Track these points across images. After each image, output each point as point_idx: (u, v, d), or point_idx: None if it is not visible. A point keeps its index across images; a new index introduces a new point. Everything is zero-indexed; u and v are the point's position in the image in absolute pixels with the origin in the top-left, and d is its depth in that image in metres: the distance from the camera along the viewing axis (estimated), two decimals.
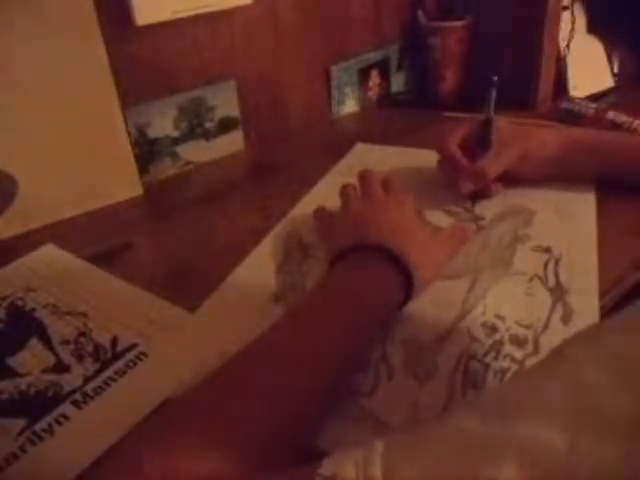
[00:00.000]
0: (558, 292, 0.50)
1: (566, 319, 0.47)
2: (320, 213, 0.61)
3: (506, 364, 0.44)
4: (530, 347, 0.45)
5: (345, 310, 0.44)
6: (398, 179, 0.59)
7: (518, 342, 0.46)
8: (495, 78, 0.63)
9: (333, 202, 0.59)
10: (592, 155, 0.63)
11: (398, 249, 0.46)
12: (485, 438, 0.23)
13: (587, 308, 0.48)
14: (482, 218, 0.62)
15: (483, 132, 0.65)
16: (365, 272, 0.46)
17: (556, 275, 0.53)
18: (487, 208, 0.64)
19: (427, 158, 0.70)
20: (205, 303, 0.52)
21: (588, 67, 0.95)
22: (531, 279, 0.52)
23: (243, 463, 0.33)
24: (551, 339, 0.46)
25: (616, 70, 0.96)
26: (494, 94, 0.64)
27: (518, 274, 0.53)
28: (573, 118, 0.81)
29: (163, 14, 0.70)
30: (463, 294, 0.51)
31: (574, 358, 0.25)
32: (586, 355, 0.25)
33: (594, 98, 0.90)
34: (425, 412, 0.40)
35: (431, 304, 0.50)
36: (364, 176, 0.58)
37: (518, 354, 0.45)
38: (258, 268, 0.57)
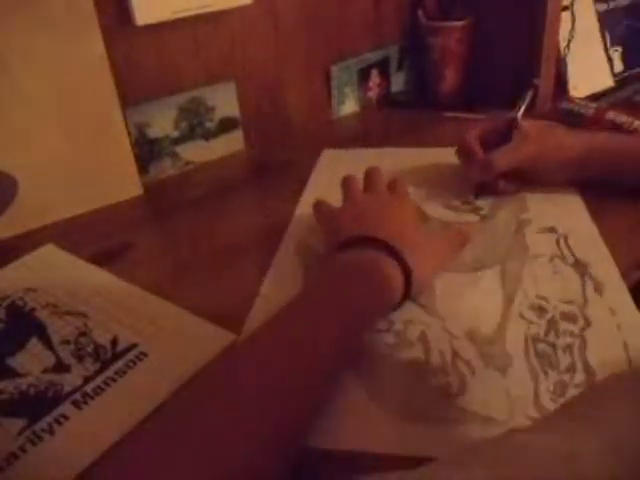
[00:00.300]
0: (581, 267, 0.52)
1: (599, 290, 0.49)
2: (320, 204, 0.59)
3: (569, 339, 0.45)
4: (581, 321, 0.46)
5: (346, 299, 0.44)
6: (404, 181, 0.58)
7: (569, 318, 0.47)
8: (536, 81, 0.62)
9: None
10: (608, 161, 0.62)
11: (399, 247, 0.47)
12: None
13: (612, 277, 0.51)
14: (481, 208, 0.64)
15: (506, 129, 0.65)
16: (369, 265, 0.46)
17: (571, 251, 0.55)
18: (482, 198, 0.65)
19: (403, 157, 0.73)
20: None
21: (588, 67, 0.95)
22: (551, 259, 0.54)
23: (244, 463, 0.33)
24: (595, 311, 0.47)
25: (616, 70, 0.96)
26: (530, 95, 0.64)
27: (538, 256, 0.55)
28: (573, 118, 0.81)
29: (163, 14, 0.70)
30: (499, 282, 0.52)
31: None
32: None
33: (594, 98, 0.90)
34: (520, 402, 0.40)
35: (474, 296, 0.51)
36: (370, 173, 0.58)
37: (574, 329, 0.46)
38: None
